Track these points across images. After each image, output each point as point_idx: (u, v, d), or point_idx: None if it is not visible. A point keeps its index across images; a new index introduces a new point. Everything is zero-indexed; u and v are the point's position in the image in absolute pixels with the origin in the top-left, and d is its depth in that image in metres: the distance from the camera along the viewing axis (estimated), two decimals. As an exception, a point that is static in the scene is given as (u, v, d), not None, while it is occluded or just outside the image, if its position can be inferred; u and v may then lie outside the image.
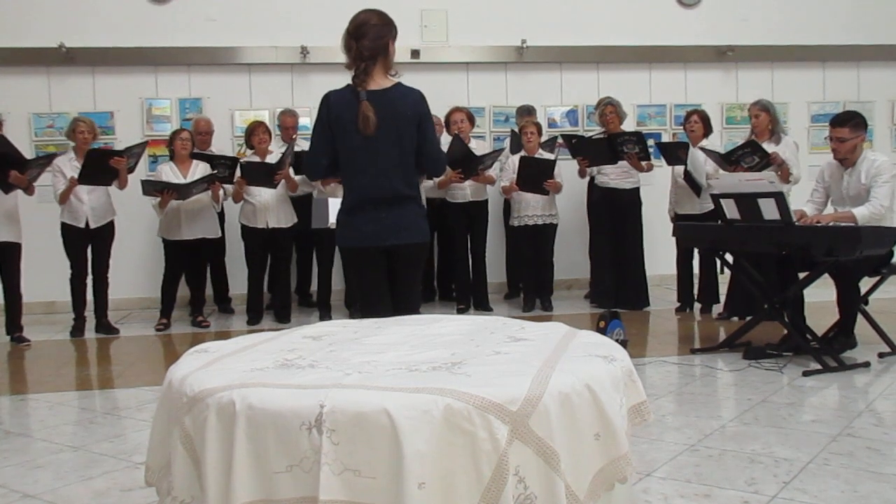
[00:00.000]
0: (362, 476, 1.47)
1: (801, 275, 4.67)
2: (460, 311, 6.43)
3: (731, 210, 4.62)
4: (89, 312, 6.10)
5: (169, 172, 6.11)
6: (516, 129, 6.90)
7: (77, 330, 6.01)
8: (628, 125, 6.95)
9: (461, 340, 2.03)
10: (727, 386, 4.11)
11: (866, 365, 4.34)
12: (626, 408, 1.80)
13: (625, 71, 7.88)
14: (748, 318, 5.16)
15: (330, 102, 2.99)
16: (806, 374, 4.17)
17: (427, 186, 6.35)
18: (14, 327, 5.80)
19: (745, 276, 4.91)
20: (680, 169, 6.12)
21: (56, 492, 2.79)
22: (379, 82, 2.96)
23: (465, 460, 1.47)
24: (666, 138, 7.79)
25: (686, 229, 5.40)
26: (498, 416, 1.48)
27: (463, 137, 6.38)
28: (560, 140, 7.01)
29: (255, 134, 6.24)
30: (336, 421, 1.48)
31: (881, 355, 4.52)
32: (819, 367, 4.24)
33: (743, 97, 7.79)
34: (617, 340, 3.30)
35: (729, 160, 5.52)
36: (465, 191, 6.48)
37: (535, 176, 6.25)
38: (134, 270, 7.16)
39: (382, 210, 2.99)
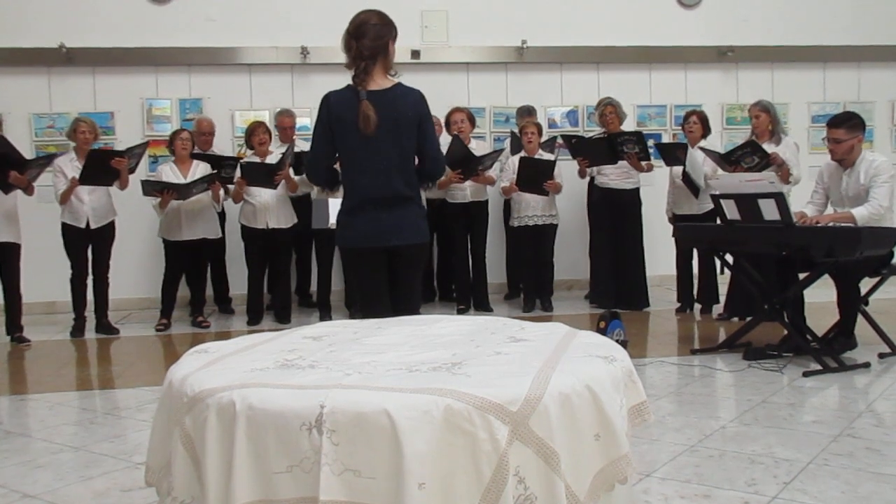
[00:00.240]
0: (362, 476, 1.47)
1: (801, 275, 4.67)
2: (460, 312, 6.43)
3: (731, 210, 4.62)
4: (89, 312, 6.10)
5: (169, 173, 6.11)
6: (516, 131, 6.91)
7: (77, 330, 6.02)
8: (628, 125, 6.95)
9: (461, 341, 2.03)
10: (727, 386, 4.11)
11: (866, 365, 4.34)
12: (627, 408, 1.80)
13: (625, 71, 7.88)
14: (748, 319, 5.16)
15: (330, 103, 2.99)
16: (806, 374, 4.17)
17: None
18: (14, 327, 5.80)
19: (745, 276, 4.91)
20: (678, 170, 6.12)
21: (56, 492, 2.79)
22: (379, 82, 2.97)
23: (465, 461, 1.47)
24: (666, 139, 7.79)
25: (686, 230, 5.40)
26: (498, 416, 1.48)
27: (463, 138, 6.38)
28: (560, 140, 7.01)
29: (255, 134, 6.23)
30: (336, 421, 1.48)
31: (881, 356, 4.52)
32: (819, 367, 4.24)
33: (743, 98, 7.79)
34: (617, 341, 3.30)
35: (729, 160, 5.52)
36: (465, 191, 6.48)
37: (535, 176, 6.25)
38: (134, 271, 7.16)
39: (383, 210, 2.99)
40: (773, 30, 8.04)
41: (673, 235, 5.51)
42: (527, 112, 7.26)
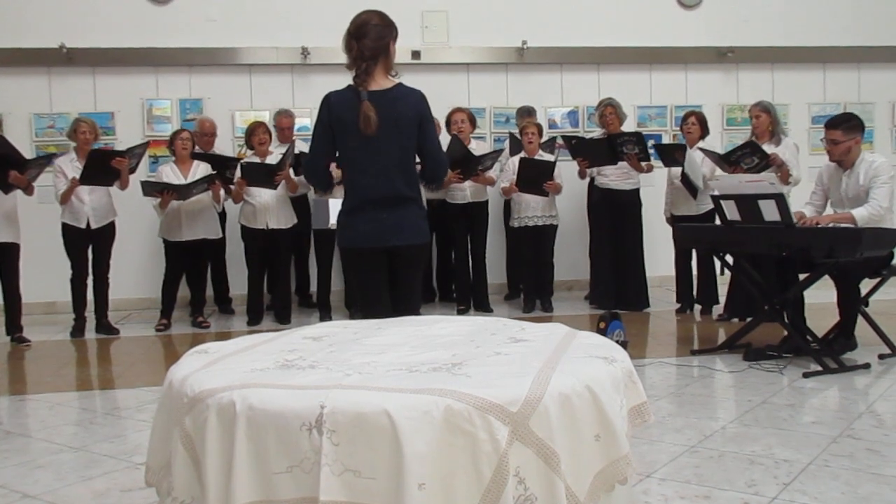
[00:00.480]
0: (362, 477, 1.47)
1: (802, 276, 4.67)
2: (460, 312, 6.43)
3: (731, 211, 4.62)
4: (89, 313, 6.10)
5: (170, 173, 6.11)
6: (515, 132, 6.91)
7: (77, 330, 6.01)
8: (629, 126, 6.95)
9: (461, 341, 2.03)
10: (727, 387, 4.11)
11: (866, 366, 4.34)
12: (627, 409, 1.81)
13: (625, 72, 7.88)
14: (748, 320, 5.16)
15: (331, 103, 2.99)
16: (806, 375, 4.17)
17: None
18: (14, 327, 5.80)
19: (746, 277, 4.91)
20: (676, 170, 6.12)
21: (56, 492, 2.79)
22: (380, 83, 2.97)
23: (465, 461, 1.47)
24: (666, 139, 7.79)
25: (686, 230, 5.40)
26: (498, 417, 1.48)
27: (463, 138, 6.38)
28: (560, 141, 7.01)
29: (255, 134, 6.23)
30: (336, 422, 1.48)
31: (881, 357, 4.52)
32: (819, 368, 4.24)
33: (743, 98, 7.79)
34: (617, 341, 3.29)
35: (728, 161, 5.52)
36: (465, 192, 6.48)
37: (535, 177, 6.25)
38: (134, 271, 7.16)
39: (383, 211, 2.99)
40: (773, 30, 8.04)
41: (673, 236, 5.51)
42: (527, 112, 7.26)
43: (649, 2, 7.93)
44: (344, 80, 3.04)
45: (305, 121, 7.24)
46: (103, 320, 6.08)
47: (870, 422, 3.38)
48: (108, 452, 3.22)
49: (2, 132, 5.75)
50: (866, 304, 4.63)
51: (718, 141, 7.54)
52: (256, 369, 1.76)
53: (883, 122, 8.39)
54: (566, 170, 6.61)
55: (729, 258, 5.01)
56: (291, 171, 6.16)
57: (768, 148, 5.50)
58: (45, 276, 6.56)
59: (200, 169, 6.17)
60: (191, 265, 6.35)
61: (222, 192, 6.19)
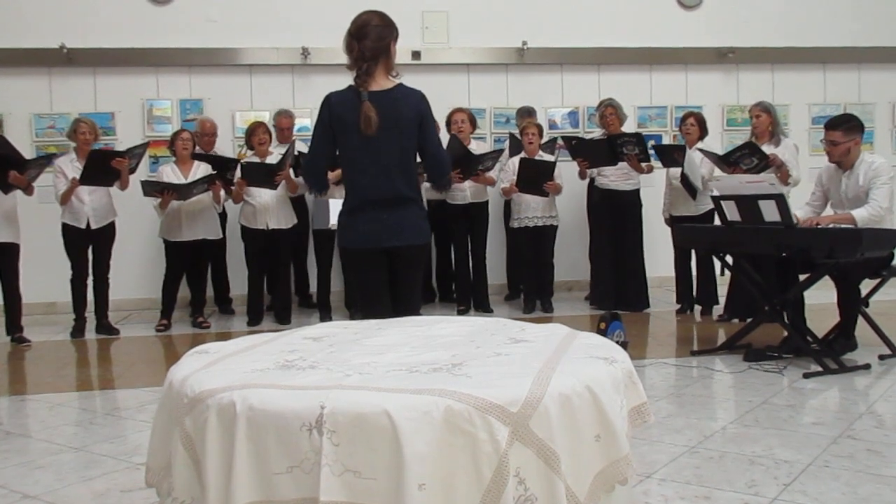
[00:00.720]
0: (363, 477, 1.47)
1: (802, 277, 4.67)
2: (461, 313, 6.43)
3: (731, 212, 4.62)
4: (90, 313, 6.10)
5: (170, 173, 6.12)
6: (515, 133, 6.91)
7: (77, 330, 6.01)
8: (629, 127, 6.95)
9: (462, 342, 2.03)
10: (727, 388, 4.11)
11: (867, 367, 4.34)
12: (627, 409, 1.80)
13: (625, 72, 7.88)
14: (748, 320, 5.16)
15: (331, 103, 3.00)
16: (806, 376, 4.17)
17: (427, 187, 6.34)
18: (14, 328, 5.80)
19: (746, 277, 4.91)
20: (675, 171, 6.12)
21: (56, 492, 2.79)
22: (380, 83, 2.97)
23: (465, 462, 1.47)
24: (667, 140, 7.79)
25: (686, 231, 5.40)
26: (498, 417, 1.48)
27: (463, 138, 6.39)
28: (560, 141, 7.01)
29: (255, 135, 6.23)
30: (336, 422, 1.48)
31: (882, 357, 4.52)
32: (819, 369, 4.24)
33: (744, 99, 7.79)
34: (617, 342, 3.29)
35: (727, 161, 5.52)
36: (466, 192, 6.48)
37: (535, 177, 6.25)
38: (134, 271, 7.16)
39: (383, 211, 3.00)
40: (773, 31, 8.04)
41: (672, 237, 5.50)
42: (527, 113, 7.26)
43: (649, 2, 7.93)
44: (344, 80, 3.05)
45: (305, 121, 7.24)
46: (103, 321, 6.08)
47: (870, 422, 3.38)
48: (109, 453, 3.22)
49: (2, 132, 5.75)
50: (866, 305, 4.64)
51: (719, 142, 7.54)
52: (257, 370, 1.76)
53: (883, 123, 8.39)
54: (566, 170, 6.61)
55: (729, 258, 5.01)
56: (291, 172, 6.17)
57: (768, 148, 5.50)
58: (45, 277, 6.56)
59: (201, 169, 6.17)
60: (191, 265, 6.35)
61: (222, 192, 6.19)
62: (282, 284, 6.44)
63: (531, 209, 6.44)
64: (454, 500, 1.46)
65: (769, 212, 4.38)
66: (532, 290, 6.64)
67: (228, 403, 1.58)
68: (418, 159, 3.13)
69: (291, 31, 7.41)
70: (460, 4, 7.66)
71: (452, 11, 7.65)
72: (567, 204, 7.07)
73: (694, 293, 6.35)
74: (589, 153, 6.42)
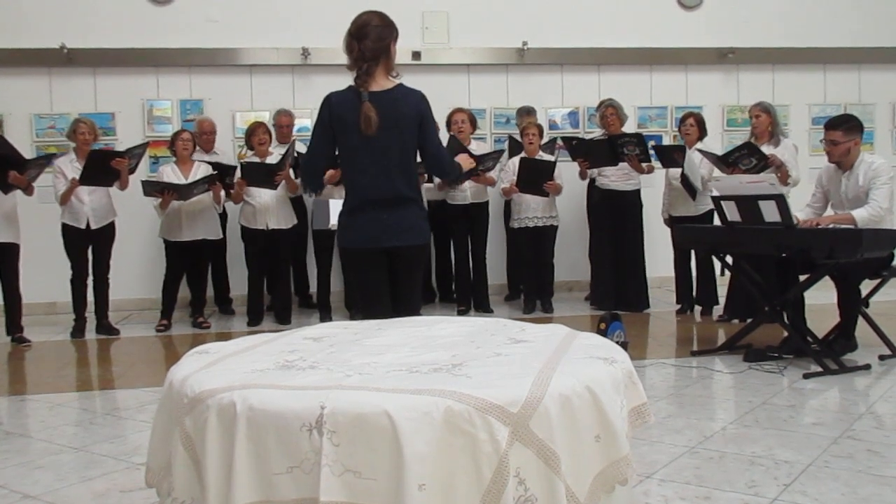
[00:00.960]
0: (363, 477, 1.47)
1: (802, 277, 4.67)
2: (461, 313, 6.43)
3: (731, 212, 4.62)
4: (90, 313, 6.10)
5: (170, 173, 6.12)
6: (515, 135, 6.91)
7: (77, 331, 6.01)
8: (629, 127, 6.95)
9: (462, 342, 2.03)
10: (727, 388, 4.11)
11: (867, 367, 4.34)
12: (627, 410, 1.80)
13: (626, 73, 7.88)
14: (748, 321, 5.16)
15: (332, 103, 3.00)
16: (806, 376, 4.16)
17: (427, 187, 6.35)
18: (14, 328, 5.80)
19: (746, 278, 4.91)
20: (674, 171, 6.12)
21: (56, 492, 2.79)
22: (381, 83, 2.97)
23: (465, 462, 1.47)
24: (667, 140, 7.80)
25: (686, 231, 5.40)
26: (498, 417, 1.48)
27: (463, 139, 6.39)
28: (560, 142, 7.01)
29: (255, 135, 6.23)
30: (336, 422, 1.48)
31: (882, 358, 4.52)
32: (820, 369, 4.23)
33: (744, 99, 7.79)
34: (617, 342, 3.29)
35: (726, 162, 5.52)
36: (466, 192, 6.48)
37: (535, 178, 6.25)
38: (135, 271, 7.16)
39: (383, 211, 3.00)
40: (773, 31, 8.04)
41: (672, 237, 5.50)
42: (527, 112, 7.26)
43: (649, 2, 7.93)
44: (344, 80, 3.05)
45: (306, 121, 7.23)
46: (103, 321, 6.08)
47: (870, 423, 3.38)
48: (109, 453, 3.22)
49: (2, 132, 5.75)
50: (867, 305, 4.63)
51: (719, 142, 7.54)
52: (257, 370, 1.76)
53: (883, 123, 8.39)
54: (566, 170, 6.61)
55: (729, 259, 5.01)
56: (291, 172, 6.17)
57: (767, 149, 5.50)
58: (45, 277, 6.55)
59: (201, 170, 6.17)
60: (191, 266, 6.35)
61: (222, 192, 6.19)
62: (282, 285, 6.44)
63: (531, 209, 6.44)
64: (454, 501, 1.46)
65: (769, 212, 4.38)
66: (532, 291, 6.64)
67: (228, 403, 1.58)
68: (419, 159, 3.13)
69: (291, 32, 7.41)
70: (460, 4, 7.66)
71: (452, 12, 7.66)
72: (567, 204, 7.06)
73: (694, 293, 6.35)
74: (589, 153, 6.42)
